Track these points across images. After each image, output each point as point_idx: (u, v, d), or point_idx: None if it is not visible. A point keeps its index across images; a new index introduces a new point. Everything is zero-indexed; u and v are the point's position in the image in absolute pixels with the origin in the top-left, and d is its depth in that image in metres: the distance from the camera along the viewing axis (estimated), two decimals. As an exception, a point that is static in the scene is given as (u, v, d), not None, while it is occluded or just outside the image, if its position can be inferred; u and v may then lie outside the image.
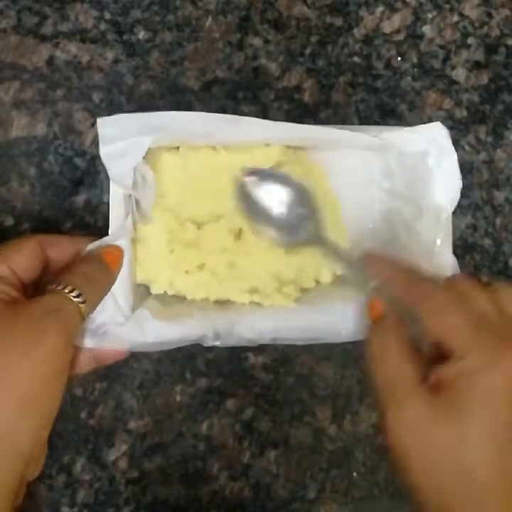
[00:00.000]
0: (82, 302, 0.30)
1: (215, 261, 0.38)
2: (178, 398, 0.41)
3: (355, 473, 0.43)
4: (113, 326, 0.34)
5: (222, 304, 0.38)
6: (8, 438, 0.27)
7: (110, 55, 0.41)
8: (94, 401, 0.40)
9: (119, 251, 0.34)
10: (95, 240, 0.34)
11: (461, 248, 0.44)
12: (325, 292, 0.39)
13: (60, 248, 0.34)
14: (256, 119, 0.34)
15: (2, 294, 0.30)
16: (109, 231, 0.34)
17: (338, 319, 0.36)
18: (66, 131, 0.40)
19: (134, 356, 0.40)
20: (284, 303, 0.38)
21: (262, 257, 0.38)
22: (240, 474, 0.42)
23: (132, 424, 0.41)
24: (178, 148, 0.38)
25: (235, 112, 0.41)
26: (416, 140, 0.37)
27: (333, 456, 0.43)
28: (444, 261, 0.36)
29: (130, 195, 0.35)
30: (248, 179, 0.38)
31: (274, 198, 0.38)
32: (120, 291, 0.34)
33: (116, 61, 0.41)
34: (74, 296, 0.30)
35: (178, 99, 0.41)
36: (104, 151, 0.33)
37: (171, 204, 0.38)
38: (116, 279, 0.34)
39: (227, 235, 0.38)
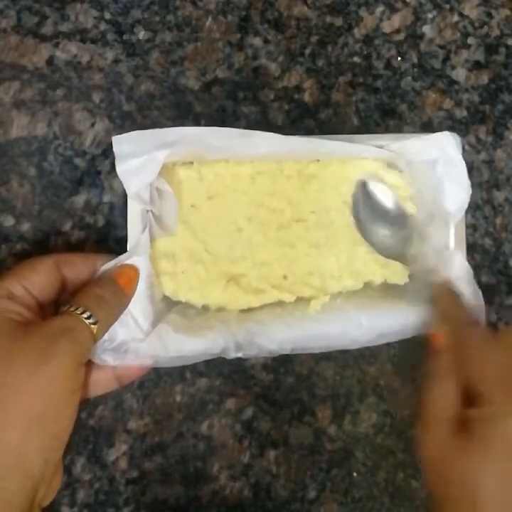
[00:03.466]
0: (94, 323, 0.31)
1: (242, 267, 0.39)
2: (178, 398, 0.41)
3: (355, 473, 0.43)
4: (134, 343, 0.34)
5: (244, 314, 0.38)
6: (15, 457, 0.27)
7: (110, 55, 0.41)
8: (94, 401, 0.40)
9: (134, 271, 0.34)
10: (111, 258, 0.34)
11: (461, 248, 0.44)
12: (341, 301, 0.40)
13: (76, 267, 0.34)
14: (269, 133, 0.35)
15: (15, 315, 0.30)
16: (128, 247, 0.34)
17: (354, 327, 0.36)
18: (66, 131, 0.40)
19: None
20: (311, 295, 0.39)
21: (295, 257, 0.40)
22: (240, 474, 0.42)
23: (132, 424, 0.41)
24: (191, 163, 0.38)
25: (234, 112, 0.41)
26: (426, 149, 0.37)
27: (333, 456, 0.43)
28: (458, 267, 0.37)
29: (147, 211, 0.35)
30: (369, 178, 0.39)
31: (390, 201, 0.40)
32: (138, 307, 0.34)
33: (116, 61, 0.41)
34: (85, 318, 0.30)
35: (178, 99, 0.41)
36: (120, 169, 0.33)
37: (191, 217, 0.38)
38: (131, 298, 0.34)
39: (257, 237, 0.39)
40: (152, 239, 0.36)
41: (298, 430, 0.42)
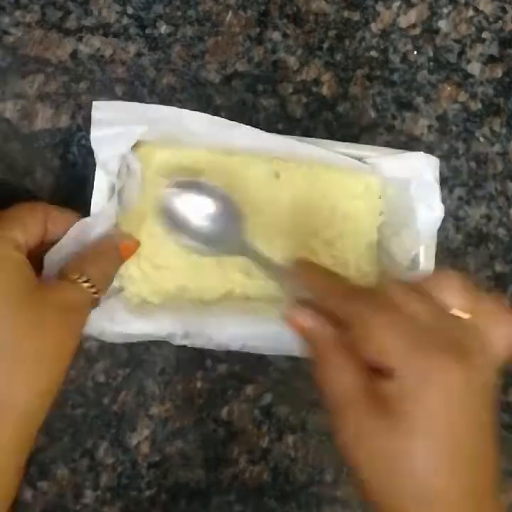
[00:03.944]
0: (97, 297, 0.32)
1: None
2: (199, 384, 0.42)
3: (370, 458, 0.44)
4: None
5: (200, 304, 0.38)
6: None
7: (132, 48, 0.41)
8: (116, 387, 0.41)
9: (137, 245, 0.35)
10: (81, 217, 0.33)
11: (476, 238, 0.44)
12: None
13: (57, 223, 0.33)
14: (252, 128, 0.34)
15: (27, 272, 0.29)
16: (91, 213, 0.34)
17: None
18: (89, 123, 0.41)
19: (156, 343, 0.41)
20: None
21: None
22: (259, 458, 0.43)
23: (154, 410, 0.42)
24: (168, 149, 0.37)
25: (254, 105, 0.42)
26: (401, 167, 0.37)
27: (349, 442, 0.44)
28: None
29: (114, 184, 0.34)
30: (168, 191, 0.36)
31: (197, 209, 0.36)
32: None
33: (138, 55, 0.41)
34: (93, 292, 0.31)
35: (199, 92, 0.42)
36: (94, 135, 0.33)
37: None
38: None
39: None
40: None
41: (315, 415, 0.43)
